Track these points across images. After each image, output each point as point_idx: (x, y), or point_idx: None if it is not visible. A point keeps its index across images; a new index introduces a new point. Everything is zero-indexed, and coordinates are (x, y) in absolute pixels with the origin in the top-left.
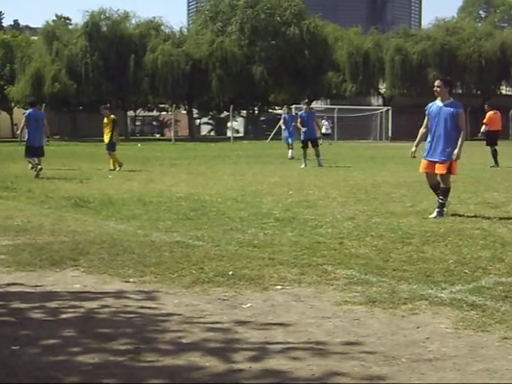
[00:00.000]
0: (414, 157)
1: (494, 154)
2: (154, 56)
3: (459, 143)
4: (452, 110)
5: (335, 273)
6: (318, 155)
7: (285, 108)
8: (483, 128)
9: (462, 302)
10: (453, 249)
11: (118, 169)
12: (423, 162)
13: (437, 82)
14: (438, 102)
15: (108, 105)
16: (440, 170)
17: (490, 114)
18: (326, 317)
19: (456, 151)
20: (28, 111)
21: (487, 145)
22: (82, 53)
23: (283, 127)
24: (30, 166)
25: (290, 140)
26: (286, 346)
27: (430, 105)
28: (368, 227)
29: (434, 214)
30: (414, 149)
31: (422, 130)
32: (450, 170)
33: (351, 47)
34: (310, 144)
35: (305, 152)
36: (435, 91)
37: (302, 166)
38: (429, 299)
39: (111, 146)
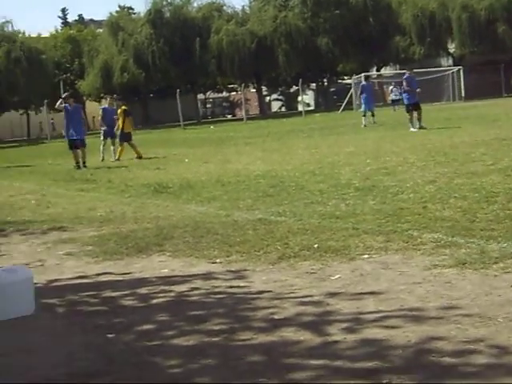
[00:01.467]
0: None
1: None
2: (219, 37)
3: None
4: None
5: (421, 237)
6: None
7: (362, 77)
8: None
9: None
10: None
11: (113, 159)
12: None
13: None
14: None
15: (117, 96)
16: None
17: None
18: (417, 282)
19: None
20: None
21: None
22: (147, 41)
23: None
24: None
25: (364, 107)
26: (379, 314)
27: None
28: (450, 189)
29: None
30: None
31: None
32: None
33: (416, 9)
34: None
35: (411, 116)
36: None
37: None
38: None
39: (123, 137)
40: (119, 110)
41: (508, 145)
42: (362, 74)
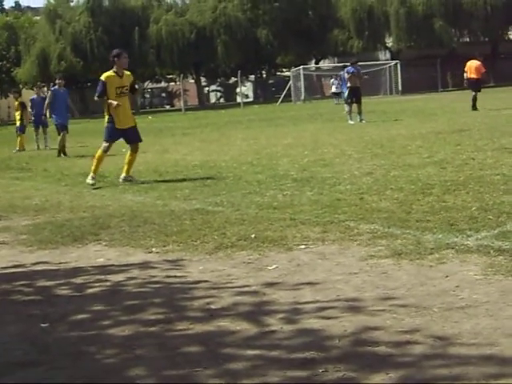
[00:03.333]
0: None
1: None
2: (158, 27)
3: None
4: None
5: (358, 228)
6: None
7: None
8: None
9: (488, 247)
10: (474, 196)
11: (15, 151)
12: None
13: None
14: None
15: (17, 89)
16: None
17: None
18: (353, 272)
19: None
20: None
21: None
22: (85, 29)
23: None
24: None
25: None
26: (316, 304)
27: None
28: (387, 181)
29: None
30: None
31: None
32: None
33: (355, 3)
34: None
35: (350, 108)
36: None
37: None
38: (455, 247)
39: (21, 129)
40: (17, 103)
41: (444, 138)
42: (301, 67)
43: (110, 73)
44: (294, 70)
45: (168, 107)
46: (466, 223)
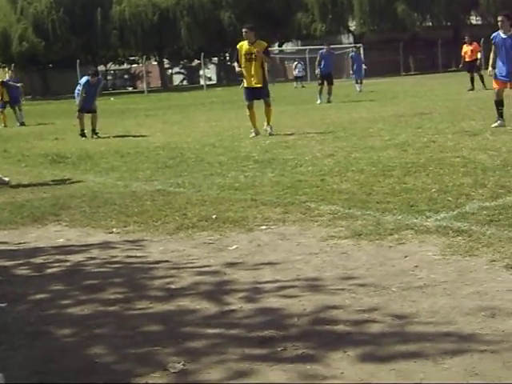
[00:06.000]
0: (491, 75)
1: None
2: (121, 8)
3: None
4: None
5: (319, 209)
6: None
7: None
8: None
9: (447, 228)
10: (434, 178)
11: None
12: (499, 81)
13: (500, 17)
14: (502, 34)
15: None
16: (507, 86)
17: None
18: (313, 253)
19: None
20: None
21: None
22: (47, 9)
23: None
24: None
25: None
26: (276, 284)
27: (494, 35)
28: (348, 163)
29: (498, 122)
30: (490, 69)
31: (491, 56)
32: None
33: None
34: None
35: (321, 88)
36: (499, 24)
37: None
38: (414, 228)
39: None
40: None
41: (405, 121)
42: None
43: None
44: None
45: (131, 89)
46: (425, 204)
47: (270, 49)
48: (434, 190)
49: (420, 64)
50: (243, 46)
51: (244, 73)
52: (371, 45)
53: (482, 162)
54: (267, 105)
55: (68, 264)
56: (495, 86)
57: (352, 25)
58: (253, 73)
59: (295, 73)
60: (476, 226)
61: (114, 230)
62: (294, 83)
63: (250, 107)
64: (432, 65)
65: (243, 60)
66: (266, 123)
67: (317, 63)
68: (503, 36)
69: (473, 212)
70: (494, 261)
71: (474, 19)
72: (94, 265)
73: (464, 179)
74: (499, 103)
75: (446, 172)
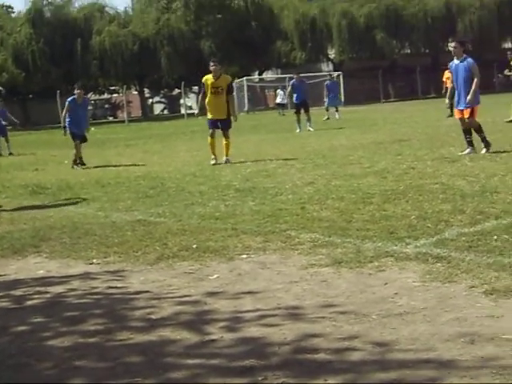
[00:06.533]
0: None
1: None
2: (101, 38)
3: (471, 91)
4: (465, 65)
5: (299, 237)
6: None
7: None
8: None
9: (427, 255)
10: (414, 205)
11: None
12: (455, 111)
13: (453, 44)
14: (455, 60)
15: None
16: (466, 114)
17: None
18: (294, 281)
19: (468, 97)
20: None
21: None
22: (27, 40)
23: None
24: None
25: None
26: (257, 313)
27: (451, 63)
28: (328, 190)
29: (467, 150)
30: (447, 101)
31: (450, 85)
32: (472, 114)
33: (297, 15)
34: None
35: (298, 117)
36: (452, 51)
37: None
38: (394, 255)
39: None
40: None
41: (385, 148)
42: (244, 78)
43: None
44: (237, 81)
45: (111, 119)
46: (405, 231)
47: (249, 77)
48: (413, 216)
49: (399, 91)
50: (208, 79)
51: (208, 105)
52: (351, 72)
53: (461, 188)
54: (226, 137)
55: (48, 296)
56: (455, 115)
57: (331, 53)
58: (218, 105)
59: (278, 100)
60: (455, 253)
61: (95, 260)
62: (279, 110)
63: (213, 136)
64: (411, 91)
65: (209, 93)
66: (224, 155)
67: (288, 93)
68: (456, 62)
69: (452, 238)
70: (473, 287)
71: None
72: (75, 296)
73: (443, 205)
74: (465, 131)
75: (425, 198)
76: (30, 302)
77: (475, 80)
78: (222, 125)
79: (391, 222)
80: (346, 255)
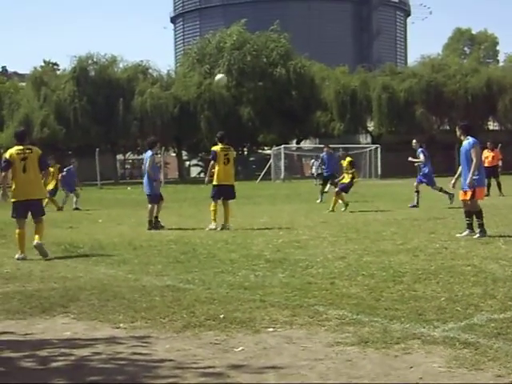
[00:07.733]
0: (454, 187)
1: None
2: (143, 99)
3: (470, 173)
4: (466, 147)
5: (327, 313)
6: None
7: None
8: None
9: (454, 340)
10: (444, 286)
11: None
12: (459, 192)
13: (457, 128)
14: (462, 143)
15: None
16: (466, 196)
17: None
18: (319, 359)
19: (467, 180)
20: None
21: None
22: (70, 98)
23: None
24: None
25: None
26: None
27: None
28: (359, 266)
29: (465, 233)
30: (453, 181)
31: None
32: (473, 196)
33: (338, 86)
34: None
35: (323, 188)
36: (457, 135)
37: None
38: (421, 338)
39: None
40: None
41: (419, 225)
42: (282, 146)
43: None
44: (275, 148)
45: None
46: (433, 313)
47: (287, 145)
48: (443, 298)
49: (437, 166)
50: (220, 148)
51: (218, 172)
52: (388, 145)
53: (493, 271)
54: (227, 205)
55: (73, 358)
56: (459, 197)
57: (370, 125)
58: (229, 172)
59: (313, 170)
60: (483, 339)
61: (121, 324)
62: (315, 181)
63: (216, 203)
64: (448, 168)
65: (221, 161)
66: (225, 222)
67: (318, 165)
68: (462, 145)
69: (481, 324)
70: (500, 376)
71: (492, 125)
72: (99, 360)
73: (474, 289)
74: (466, 213)
75: (456, 281)
76: (54, 364)
77: (474, 161)
78: (230, 193)
79: (420, 303)
80: (372, 335)
